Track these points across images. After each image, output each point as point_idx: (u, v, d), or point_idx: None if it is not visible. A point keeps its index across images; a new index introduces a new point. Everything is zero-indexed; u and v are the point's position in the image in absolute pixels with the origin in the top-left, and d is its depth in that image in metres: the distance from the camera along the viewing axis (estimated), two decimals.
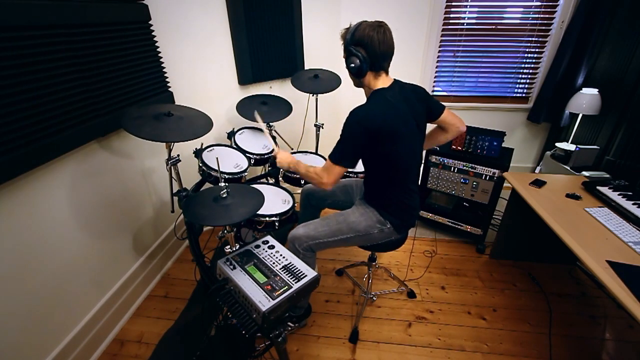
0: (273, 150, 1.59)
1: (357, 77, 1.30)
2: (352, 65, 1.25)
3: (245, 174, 1.78)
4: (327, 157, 1.33)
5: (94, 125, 1.43)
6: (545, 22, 2.49)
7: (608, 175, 1.83)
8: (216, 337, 1.59)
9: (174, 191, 1.55)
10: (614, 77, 2.25)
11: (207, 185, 1.69)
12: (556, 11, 2.45)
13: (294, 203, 1.65)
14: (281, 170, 1.91)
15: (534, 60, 2.64)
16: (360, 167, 1.88)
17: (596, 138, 2.35)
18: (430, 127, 1.57)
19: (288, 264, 1.21)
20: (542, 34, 2.53)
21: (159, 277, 2.04)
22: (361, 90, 1.39)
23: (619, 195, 1.56)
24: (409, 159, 1.37)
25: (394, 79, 1.35)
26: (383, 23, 1.24)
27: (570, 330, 1.70)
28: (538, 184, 1.75)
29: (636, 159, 1.97)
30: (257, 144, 2.01)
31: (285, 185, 1.88)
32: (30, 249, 1.25)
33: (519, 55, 2.63)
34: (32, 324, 1.27)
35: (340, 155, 1.28)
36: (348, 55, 1.26)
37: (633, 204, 1.48)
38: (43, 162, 1.24)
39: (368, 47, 1.22)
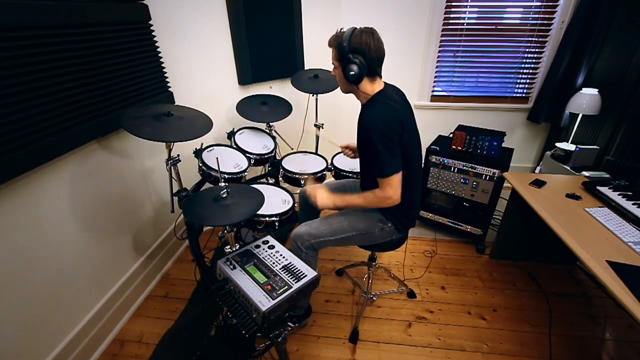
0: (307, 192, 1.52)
1: (355, 83, 1.30)
2: (352, 73, 1.24)
3: (245, 174, 1.78)
4: (379, 177, 1.29)
5: (94, 125, 1.43)
6: (545, 22, 2.49)
7: (608, 175, 1.83)
8: (216, 337, 1.59)
9: (174, 191, 1.55)
10: (614, 77, 2.25)
11: (207, 185, 1.70)
12: (556, 11, 2.45)
13: (293, 203, 1.65)
14: (281, 170, 1.91)
15: (533, 60, 2.64)
16: (358, 167, 1.89)
17: (596, 138, 2.35)
18: None
19: (288, 264, 1.21)
20: (542, 34, 2.53)
21: (159, 277, 2.04)
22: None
23: (619, 195, 1.56)
24: (416, 155, 1.41)
25: (384, 82, 1.37)
26: (373, 29, 1.25)
27: (570, 330, 1.70)
28: (538, 184, 1.75)
29: (636, 159, 1.97)
30: (257, 144, 2.01)
31: (285, 185, 1.88)
32: (31, 248, 1.25)
33: (518, 55, 2.63)
34: (32, 324, 1.27)
35: (392, 163, 1.25)
36: (346, 63, 1.25)
37: (633, 204, 1.48)
38: (43, 162, 1.24)
39: (366, 54, 1.23)
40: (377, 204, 1.35)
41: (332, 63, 1.34)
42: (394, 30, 2.56)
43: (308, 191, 1.47)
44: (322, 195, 1.42)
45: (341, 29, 1.29)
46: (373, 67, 1.27)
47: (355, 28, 1.24)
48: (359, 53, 1.23)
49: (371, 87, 1.32)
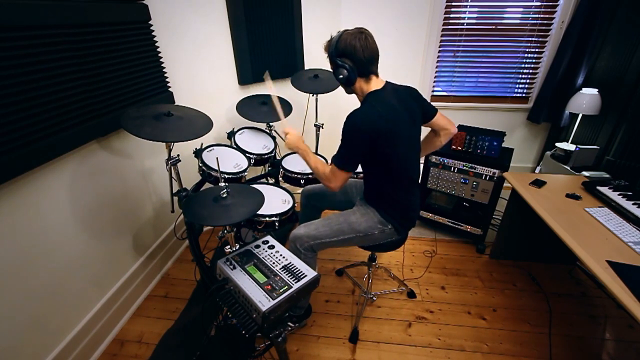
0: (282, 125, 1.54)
1: (348, 85, 1.33)
2: (341, 76, 1.28)
3: (245, 174, 1.78)
4: (331, 160, 1.34)
5: (94, 125, 1.43)
6: (545, 22, 2.49)
7: (608, 175, 1.83)
8: (216, 337, 1.59)
9: (174, 191, 1.55)
10: (614, 77, 2.25)
11: (207, 185, 1.70)
12: (556, 11, 2.45)
13: (294, 203, 1.65)
14: (281, 170, 1.91)
15: (534, 60, 2.64)
16: (359, 167, 1.89)
17: (596, 138, 2.35)
18: (423, 133, 1.57)
19: (288, 264, 1.21)
20: (542, 34, 2.53)
21: (159, 277, 2.04)
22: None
23: (619, 195, 1.56)
24: (408, 159, 1.38)
25: (386, 81, 1.35)
26: (364, 29, 1.25)
27: (570, 330, 1.70)
28: (538, 184, 1.75)
29: (636, 159, 1.97)
30: (257, 144, 2.01)
31: (285, 185, 1.88)
32: (30, 248, 1.25)
33: (518, 55, 2.63)
34: (32, 324, 1.27)
35: (343, 160, 1.29)
36: (335, 67, 1.29)
37: (633, 204, 1.48)
38: (43, 162, 1.24)
39: (353, 56, 1.24)
40: (321, 180, 1.40)
41: (331, 69, 1.36)
42: (394, 30, 2.56)
43: (283, 127, 1.52)
44: (293, 137, 1.49)
45: (337, 33, 1.29)
46: (364, 68, 1.27)
47: (345, 31, 1.25)
48: (345, 56, 1.25)
49: (366, 87, 1.32)
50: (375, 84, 1.32)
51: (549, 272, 2.06)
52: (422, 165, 1.82)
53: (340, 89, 2.10)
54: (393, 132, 1.26)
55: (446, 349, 1.60)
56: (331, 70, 1.32)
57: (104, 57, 1.45)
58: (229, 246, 1.32)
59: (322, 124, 2.32)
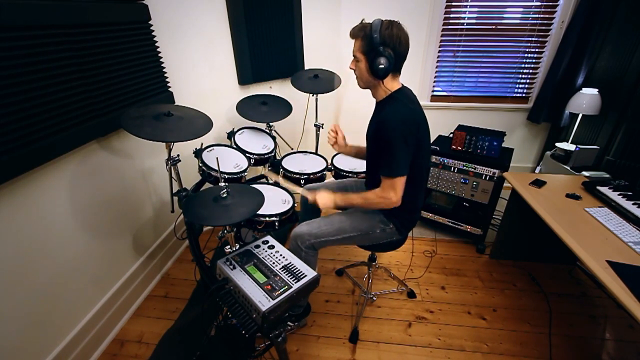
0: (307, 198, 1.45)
1: (382, 78, 1.24)
2: (381, 66, 1.18)
3: (245, 174, 1.78)
4: (384, 176, 1.26)
5: (94, 125, 1.43)
6: (545, 22, 2.49)
7: (608, 175, 1.83)
8: (216, 337, 1.59)
9: (174, 191, 1.55)
10: (614, 77, 2.25)
11: (207, 185, 1.70)
12: (556, 11, 2.45)
13: (294, 203, 1.65)
14: (281, 170, 1.91)
15: (534, 60, 2.64)
16: (360, 167, 1.89)
17: (596, 138, 2.35)
18: None
19: (288, 264, 1.21)
20: (542, 34, 2.53)
21: (159, 277, 2.04)
22: (366, 91, 1.38)
23: (619, 195, 1.56)
24: (425, 162, 1.39)
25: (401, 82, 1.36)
26: (400, 22, 1.22)
27: (570, 330, 1.70)
28: (538, 184, 1.75)
29: (636, 159, 1.96)
30: (257, 144, 2.01)
31: (285, 185, 1.88)
32: (30, 249, 1.25)
33: (519, 55, 2.63)
34: (32, 324, 1.27)
35: (400, 165, 1.22)
36: (375, 56, 1.19)
37: (633, 204, 1.48)
38: (43, 162, 1.24)
39: (396, 47, 1.19)
40: (377, 205, 1.32)
41: (355, 55, 1.28)
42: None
43: (310, 199, 1.44)
44: (322, 196, 1.41)
45: (363, 20, 1.25)
46: (399, 62, 1.24)
47: (382, 20, 1.20)
48: (389, 46, 1.18)
49: (391, 84, 1.29)
50: (398, 83, 1.31)
51: (549, 272, 2.06)
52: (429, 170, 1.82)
53: (340, 89, 2.12)
54: (424, 130, 1.28)
55: (446, 349, 1.60)
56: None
57: (104, 57, 1.44)
58: (229, 246, 1.32)
59: (322, 124, 2.32)
